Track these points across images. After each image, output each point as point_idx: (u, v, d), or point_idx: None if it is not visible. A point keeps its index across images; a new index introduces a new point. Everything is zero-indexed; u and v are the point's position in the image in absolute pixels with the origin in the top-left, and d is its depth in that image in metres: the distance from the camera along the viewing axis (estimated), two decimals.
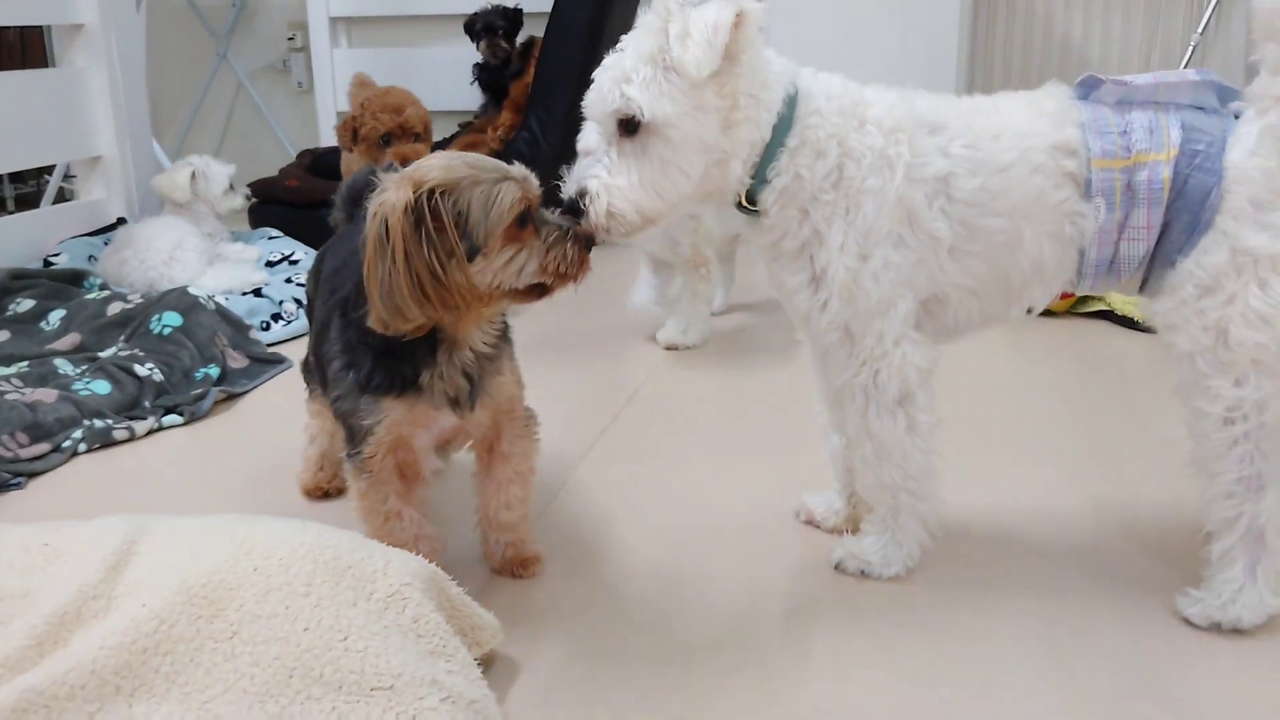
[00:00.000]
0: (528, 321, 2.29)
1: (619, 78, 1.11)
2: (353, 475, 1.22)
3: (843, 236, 1.14)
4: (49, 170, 3.45)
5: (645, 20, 1.12)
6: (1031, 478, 1.56)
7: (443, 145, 3.33)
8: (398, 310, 1.07)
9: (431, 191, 1.07)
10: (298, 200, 3.12)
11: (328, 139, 3.82)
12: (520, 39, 3.39)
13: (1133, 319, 2.26)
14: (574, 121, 2.91)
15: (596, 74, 1.14)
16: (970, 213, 1.15)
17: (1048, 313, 2.35)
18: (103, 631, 0.85)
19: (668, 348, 2.22)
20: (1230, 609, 1.16)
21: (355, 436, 1.20)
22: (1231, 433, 1.13)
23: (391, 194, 1.08)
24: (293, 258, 2.67)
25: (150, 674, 0.84)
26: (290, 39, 4.00)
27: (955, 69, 2.94)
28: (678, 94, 1.09)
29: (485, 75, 3.46)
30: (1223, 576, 1.17)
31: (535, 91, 3.08)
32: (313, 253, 2.71)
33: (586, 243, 1.14)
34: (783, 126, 1.14)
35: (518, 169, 1.13)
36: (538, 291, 1.15)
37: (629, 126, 1.11)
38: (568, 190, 1.15)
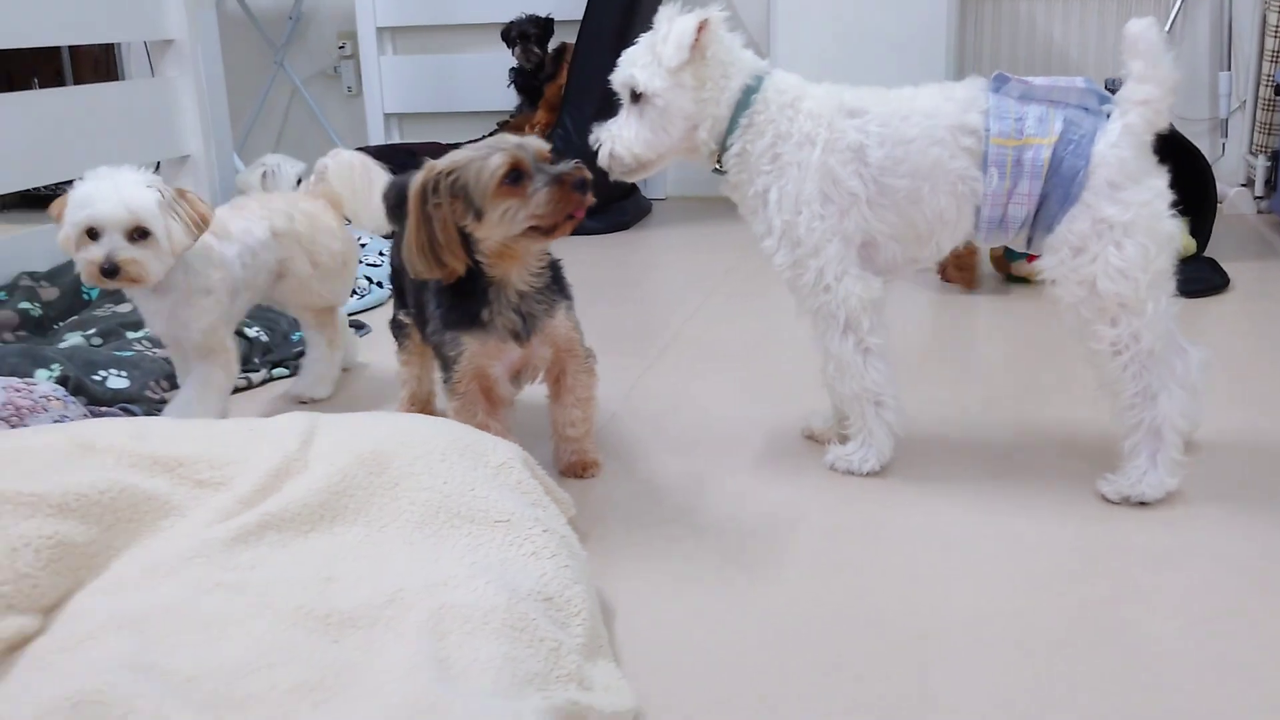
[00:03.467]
0: (593, 277, 2.64)
1: (630, 61, 1.54)
2: (448, 397, 1.56)
3: (779, 197, 1.51)
4: None
5: (655, 23, 1.54)
6: (991, 397, 1.91)
7: None
8: (412, 263, 1.44)
9: (438, 175, 1.43)
10: None
11: (376, 138, 4.19)
12: (552, 45, 3.74)
13: None
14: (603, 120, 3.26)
15: (620, 59, 1.56)
16: (880, 174, 1.49)
17: (1025, 281, 2.70)
18: (307, 480, 1.20)
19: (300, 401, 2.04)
20: (1138, 487, 1.48)
21: (446, 366, 1.55)
22: (1120, 360, 1.46)
23: (415, 180, 1.44)
24: (359, 242, 3.02)
25: (342, 509, 1.19)
26: (341, 47, 4.36)
27: (944, 68, 3.28)
28: (663, 74, 1.51)
29: (520, 78, 3.82)
30: (1132, 464, 1.50)
31: (569, 94, 3.43)
32: (374, 238, 3.07)
33: (577, 185, 1.41)
34: (739, 109, 1.52)
35: (512, 141, 1.43)
36: (540, 232, 1.43)
37: (634, 95, 1.53)
38: (590, 139, 1.57)
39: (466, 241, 1.45)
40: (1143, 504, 1.48)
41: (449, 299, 1.50)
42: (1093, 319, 1.46)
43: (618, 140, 1.55)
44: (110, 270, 1.61)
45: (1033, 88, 1.46)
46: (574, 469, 1.65)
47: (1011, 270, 2.74)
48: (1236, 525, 1.43)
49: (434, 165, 1.43)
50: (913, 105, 1.49)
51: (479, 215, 1.42)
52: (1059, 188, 1.43)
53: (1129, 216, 1.41)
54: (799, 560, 1.38)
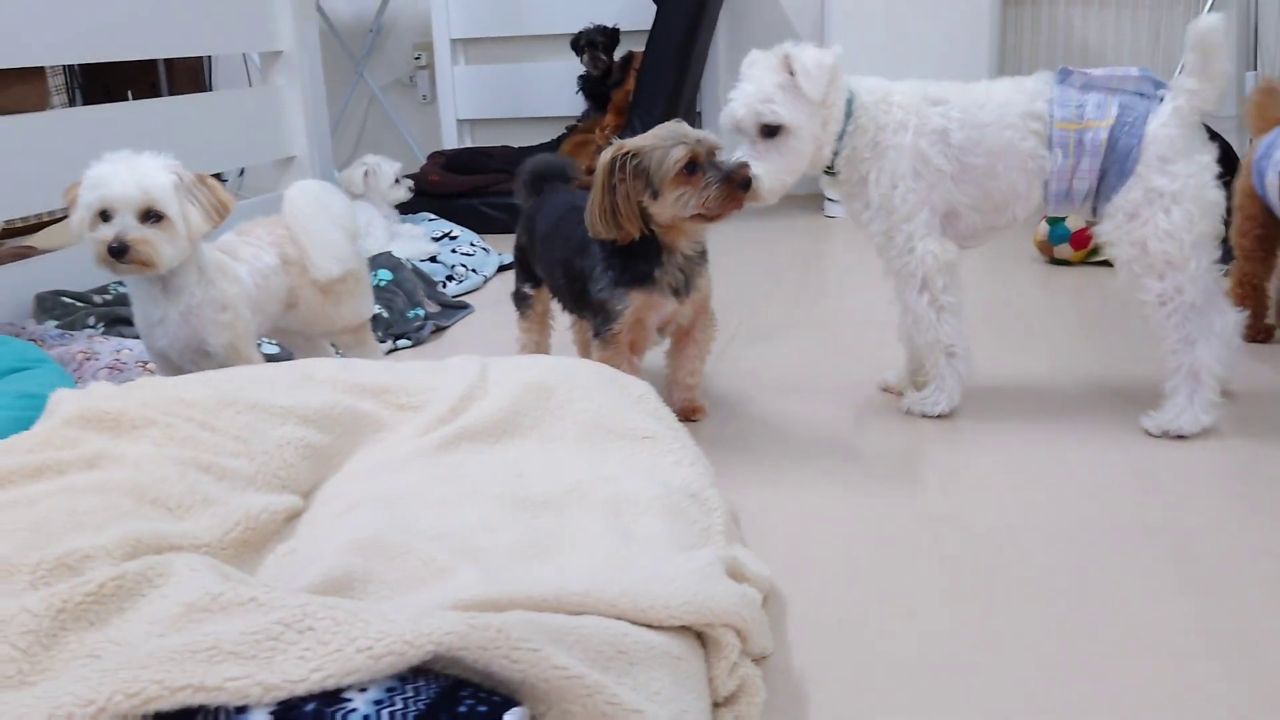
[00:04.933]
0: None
1: (762, 99, 1.71)
2: (598, 346, 1.79)
3: (877, 175, 1.76)
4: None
5: (765, 60, 1.74)
6: (1043, 357, 2.16)
7: (554, 145, 3.96)
8: (594, 225, 1.68)
9: (626, 154, 1.68)
10: (439, 192, 3.77)
11: (449, 143, 4.47)
12: (619, 54, 4.01)
13: None
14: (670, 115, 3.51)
15: (733, 97, 1.75)
16: (961, 154, 1.74)
17: (1066, 263, 2.94)
18: (489, 403, 1.46)
19: None
20: (1176, 422, 1.72)
21: (608, 317, 1.77)
22: (1165, 310, 1.70)
23: (604, 156, 1.69)
24: (451, 234, 3.30)
25: (517, 426, 1.44)
26: (416, 58, 4.65)
27: (986, 69, 3.52)
28: (802, 107, 1.72)
29: (588, 85, 4.07)
30: (1171, 403, 1.74)
31: (637, 97, 3.69)
32: (465, 230, 3.35)
33: (741, 185, 1.68)
34: (846, 119, 1.76)
35: (694, 134, 1.69)
36: (703, 218, 1.70)
37: (769, 131, 1.72)
38: (731, 163, 1.71)
39: (643, 212, 1.71)
40: (1180, 437, 1.72)
41: (622, 260, 1.75)
42: (1143, 274, 1.69)
43: (769, 175, 1.71)
44: (119, 250, 1.55)
45: (1093, 78, 1.71)
46: (684, 413, 1.90)
47: (1054, 254, 2.98)
48: (1265, 453, 1.67)
49: (622, 145, 1.69)
50: (988, 95, 1.74)
51: (655, 195, 1.67)
52: (1116, 163, 1.68)
53: (1177, 186, 1.65)
54: (887, 479, 1.63)
